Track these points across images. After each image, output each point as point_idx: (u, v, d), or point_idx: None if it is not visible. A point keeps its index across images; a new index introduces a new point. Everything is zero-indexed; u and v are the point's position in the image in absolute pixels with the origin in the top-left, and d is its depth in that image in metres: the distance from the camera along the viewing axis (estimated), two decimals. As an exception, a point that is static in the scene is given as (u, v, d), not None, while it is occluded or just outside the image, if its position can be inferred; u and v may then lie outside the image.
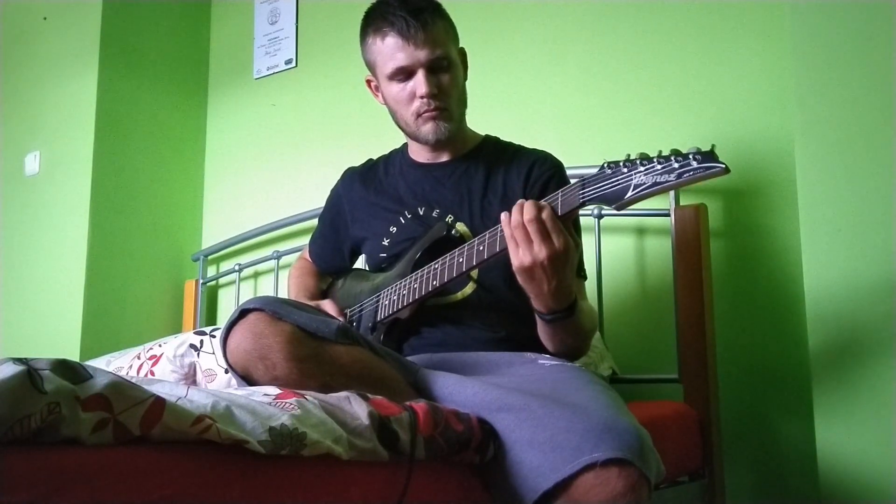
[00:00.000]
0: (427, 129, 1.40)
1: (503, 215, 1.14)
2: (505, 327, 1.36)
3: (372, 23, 1.39)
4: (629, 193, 1.04)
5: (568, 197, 1.11)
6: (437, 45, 1.35)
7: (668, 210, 1.84)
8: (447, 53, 1.37)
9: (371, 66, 1.45)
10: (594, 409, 0.98)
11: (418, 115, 1.39)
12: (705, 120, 1.92)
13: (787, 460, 1.76)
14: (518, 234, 1.10)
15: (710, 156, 0.99)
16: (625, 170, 1.05)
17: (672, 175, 1.00)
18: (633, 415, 1.01)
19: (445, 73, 1.38)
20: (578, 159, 1.84)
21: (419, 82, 1.36)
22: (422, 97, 1.37)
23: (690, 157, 1.00)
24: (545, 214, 1.10)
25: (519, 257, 1.11)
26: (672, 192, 1.83)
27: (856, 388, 1.35)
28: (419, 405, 0.94)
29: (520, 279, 1.14)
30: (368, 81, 1.50)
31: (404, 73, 1.37)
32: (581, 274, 1.42)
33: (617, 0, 2.07)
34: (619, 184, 1.05)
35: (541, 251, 1.09)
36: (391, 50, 1.36)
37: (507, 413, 1.00)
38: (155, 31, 2.78)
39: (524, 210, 1.10)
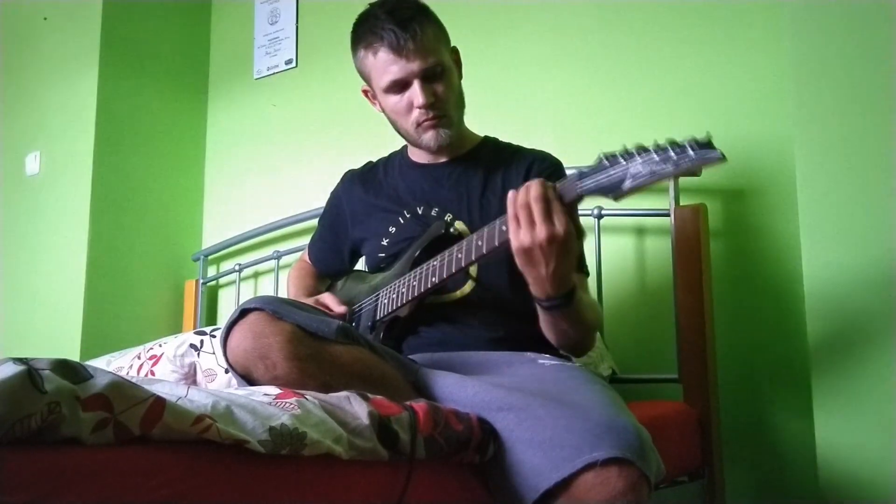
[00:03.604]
0: (428, 137, 1.40)
1: (511, 193, 1.11)
2: (504, 326, 1.36)
3: (362, 38, 1.39)
4: (627, 183, 1.03)
5: (565, 189, 1.10)
6: (428, 53, 1.35)
7: (668, 210, 1.84)
8: (440, 60, 1.37)
9: (366, 78, 1.45)
10: (594, 408, 0.98)
11: (418, 125, 1.40)
12: (705, 120, 1.91)
13: (787, 460, 1.76)
14: (522, 214, 1.08)
15: (706, 144, 0.99)
16: (622, 161, 1.04)
17: (669, 164, 1.00)
18: (633, 414, 1.01)
19: (440, 80, 1.37)
20: (577, 159, 1.83)
21: (415, 93, 1.36)
22: (419, 107, 1.37)
23: (687, 145, 1.00)
24: (551, 194, 1.08)
25: (519, 238, 1.09)
26: (672, 192, 1.83)
27: (856, 388, 1.35)
28: (419, 405, 0.94)
29: (518, 262, 1.12)
30: (365, 91, 1.49)
31: (399, 86, 1.37)
32: (583, 270, 1.41)
33: (616, 0, 2.07)
34: (616, 174, 1.04)
35: (541, 231, 1.07)
36: (384, 64, 1.36)
37: (508, 412, 1.00)
38: (155, 31, 2.78)
39: (531, 189, 1.09)
